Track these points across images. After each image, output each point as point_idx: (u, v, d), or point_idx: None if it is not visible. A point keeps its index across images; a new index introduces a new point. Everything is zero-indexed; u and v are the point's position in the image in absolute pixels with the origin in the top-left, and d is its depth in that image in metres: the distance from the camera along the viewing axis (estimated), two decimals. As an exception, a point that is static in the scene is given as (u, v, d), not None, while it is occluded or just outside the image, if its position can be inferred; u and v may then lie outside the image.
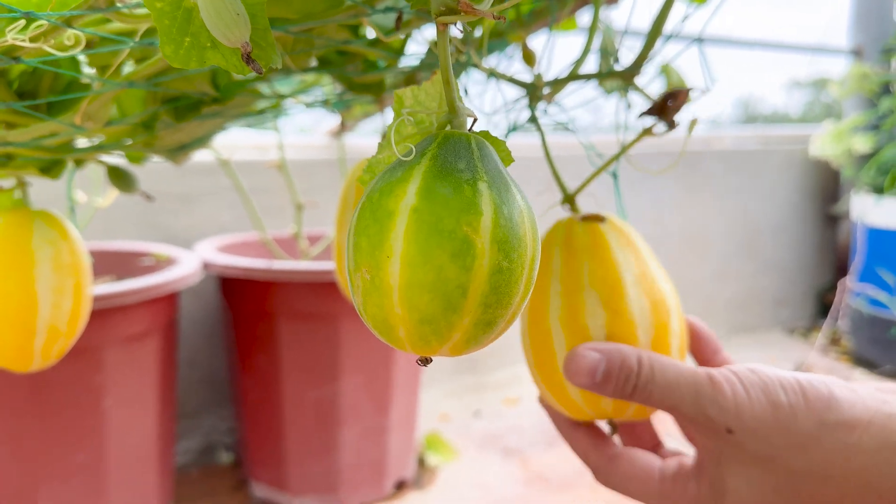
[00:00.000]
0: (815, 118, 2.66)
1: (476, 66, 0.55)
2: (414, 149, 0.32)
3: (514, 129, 0.60)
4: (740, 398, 0.37)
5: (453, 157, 0.33)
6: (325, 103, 0.68)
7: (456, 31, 0.36)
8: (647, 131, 0.48)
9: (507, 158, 0.38)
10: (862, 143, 1.73)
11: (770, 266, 2.10)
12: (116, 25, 0.44)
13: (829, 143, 1.78)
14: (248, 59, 0.32)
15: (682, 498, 0.40)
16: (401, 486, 1.18)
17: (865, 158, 1.77)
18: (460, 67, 0.58)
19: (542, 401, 0.47)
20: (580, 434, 0.44)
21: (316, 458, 1.09)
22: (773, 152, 2.04)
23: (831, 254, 2.20)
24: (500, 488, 1.18)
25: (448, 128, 0.35)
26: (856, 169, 1.80)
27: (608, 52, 0.70)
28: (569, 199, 0.51)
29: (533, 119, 0.56)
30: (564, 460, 1.27)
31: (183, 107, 0.53)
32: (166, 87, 0.51)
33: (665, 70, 0.95)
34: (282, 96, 0.65)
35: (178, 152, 0.62)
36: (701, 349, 0.49)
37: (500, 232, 0.31)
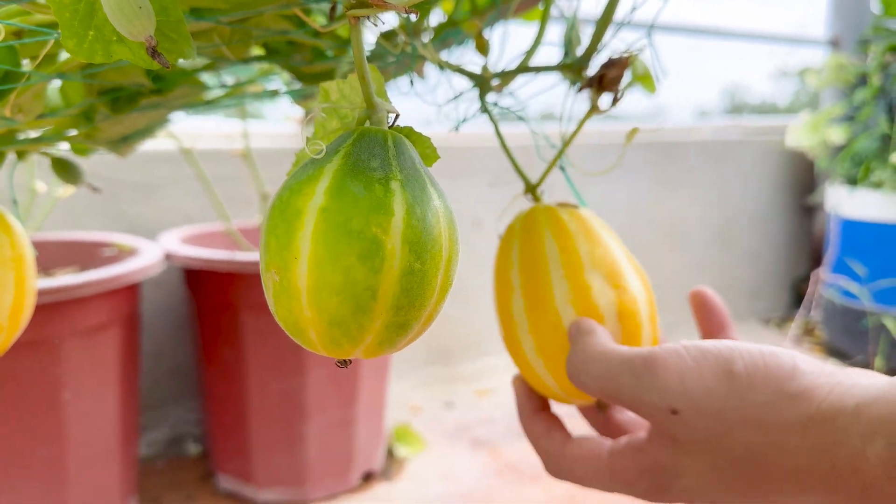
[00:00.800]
0: (801, 108, 2.67)
1: (424, 56, 0.54)
2: (325, 147, 0.31)
3: (464, 120, 0.59)
4: (688, 373, 0.33)
5: (367, 154, 0.32)
6: (274, 93, 0.67)
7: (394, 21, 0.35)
8: (594, 108, 0.47)
9: (432, 156, 0.37)
10: (837, 134, 1.73)
11: (746, 257, 2.10)
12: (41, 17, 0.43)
13: (804, 133, 1.78)
14: (154, 52, 0.31)
15: (633, 474, 0.36)
16: (368, 478, 1.18)
17: (840, 149, 1.77)
18: (407, 58, 0.57)
19: (517, 384, 0.45)
20: (537, 420, 0.43)
21: (282, 450, 1.08)
22: (751, 143, 2.04)
23: (807, 244, 2.20)
24: (469, 479, 1.18)
25: (368, 124, 0.35)
26: (831, 160, 1.80)
27: (572, 43, 0.69)
28: (531, 189, 0.50)
29: (485, 110, 0.55)
30: (533, 451, 1.27)
31: (119, 98, 0.52)
32: (101, 79, 0.50)
33: (644, 81, 0.95)
34: (232, 86, 0.63)
35: (121, 144, 0.61)
36: (707, 321, 0.47)
37: (412, 232, 0.30)
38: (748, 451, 0.32)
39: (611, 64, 0.46)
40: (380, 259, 0.29)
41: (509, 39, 0.58)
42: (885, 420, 0.28)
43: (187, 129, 1.21)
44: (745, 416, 0.32)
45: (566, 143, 0.50)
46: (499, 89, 0.59)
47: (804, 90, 2.65)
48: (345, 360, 0.33)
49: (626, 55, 0.46)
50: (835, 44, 1.94)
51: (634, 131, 0.47)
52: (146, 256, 1.01)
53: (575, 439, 0.40)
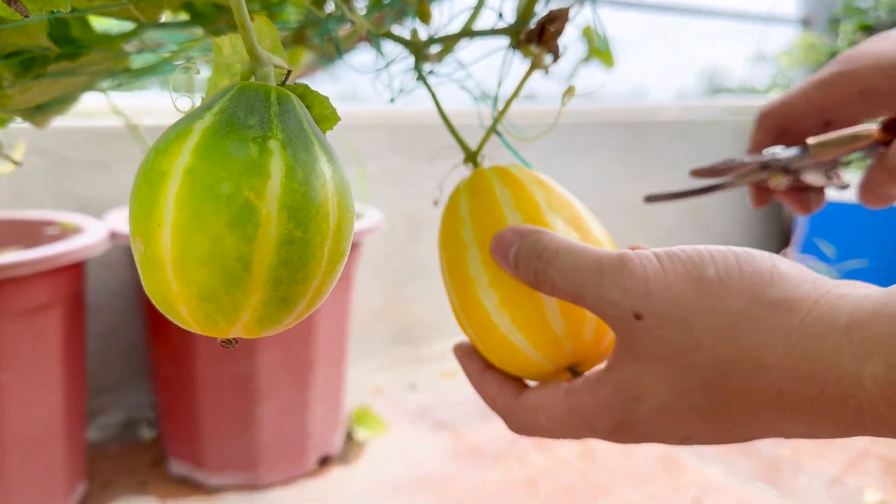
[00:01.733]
0: (779, 89, 2.65)
1: (350, 20, 0.51)
2: (194, 102, 0.29)
3: (401, 91, 0.56)
4: (654, 276, 0.30)
5: (244, 111, 0.29)
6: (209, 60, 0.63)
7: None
8: (536, 64, 0.45)
9: (331, 118, 0.34)
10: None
11: (717, 237, 2.09)
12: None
13: (775, 113, 1.77)
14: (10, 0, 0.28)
15: (593, 409, 0.33)
16: (325, 462, 1.15)
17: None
18: (335, 21, 0.54)
19: (458, 350, 0.41)
20: (486, 380, 0.39)
21: (233, 434, 1.06)
22: (722, 122, 2.02)
23: (778, 224, 2.20)
24: (428, 462, 1.16)
25: (253, 79, 0.32)
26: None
27: (527, 8, 0.66)
28: (471, 157, 0.47)
29: (420, 78, 0.52)
30: (497, 433, 1.25)
31: (21, 63, 0.48)
32: (2, 41, 0.46)
33: (586, 33, 0.92)
34: (156, 51, 0.60)
35: (36, 114, 0.58)
36: None
37: (292, 197, 0.27)
38: (718, 367, 0.28)
39: (551, 17, 0.44)
40: (253, 226, 0.26)
41: (456, 8, 0.55)
42: (883, 339, 0.25)
43: (137, 104, 1.17)
44: (714, 324, 0.28)
45: (506, 104, 0.47)
46: (437, 59, 0.56)
47: (781, 73, 2.64)
48: (228, 341, 0.30)
49: (565, 7, 0.44)
50: (806, 23, 1.92)
51: (571, 90, 0.44)
52: (90, 235, 0.98)
53: (530, 389, 0.37)
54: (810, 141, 0.45)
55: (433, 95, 0.52)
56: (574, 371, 0.38)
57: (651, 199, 0.51)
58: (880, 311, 0.25)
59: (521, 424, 0.37)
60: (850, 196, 1.61)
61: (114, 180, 1.23)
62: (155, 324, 1.08)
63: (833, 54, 1.76)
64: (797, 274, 0.29)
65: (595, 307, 0.32)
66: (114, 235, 1.02)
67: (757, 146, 0.50)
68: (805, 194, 0.52)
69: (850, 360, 0.25)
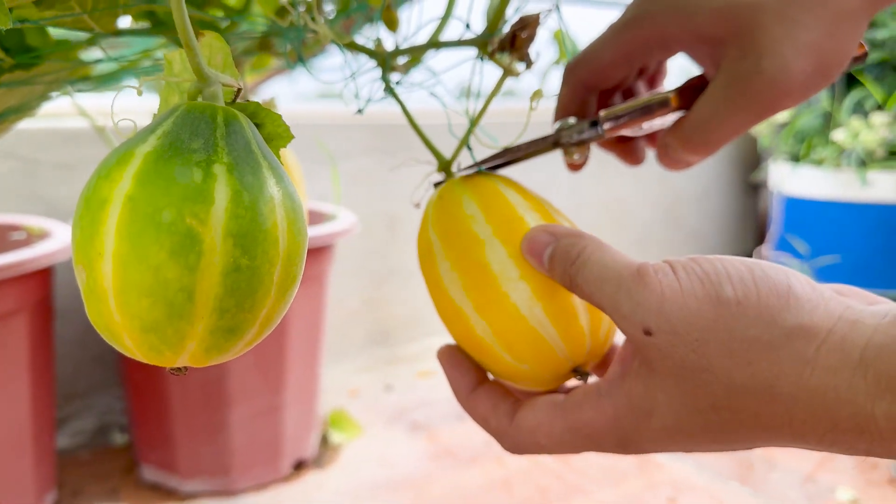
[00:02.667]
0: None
1: (314, 30, 0.50)
2: (137, 125, 0.28)
3: (369, 101, 0.55)
4: (669, 291, 0.29)
5: (188, 133, 0.28)
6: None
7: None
8: (508, 72, 0.44)
9: (284, 135, 0.33)
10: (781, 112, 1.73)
11: (692, 234, 2.10)
12: None
13: (749, 110, 1.78)
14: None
15: (597, 423, 0.32)
16: (300, 466, 1.14)
17: (784, 127, 1.77)
18: (298, 32, 0.53)
19: (444, 358, 0.39)
20: (477, 399, 0.37)
21: (205, 439, 1.05)
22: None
23: (753, 221, 2.21)
24: (405, 464, 1.16)
25: (200, 99, 0.31)
26: (774, 137, 1.80)
27: (495, 19, 0.65)
28: (445, 166, 0.46)
29: (388, 89, 0.52)
30: (474, 434, 1.25)
31: (-25, 72, 0.47)
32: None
33: (557, 37, 0.92)
34: (115, 59, 0.59)
35: (-9, 121, 0.56)
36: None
37: (238, 224, 0.27)
38: (732, 390, 0.28)
39: (522, 24, 0.43)
40: (195, 255, 0.26)
41: (424, 15, 0.54)
42: (894, 376, 0.25)
43: (104, 106, 1.15)
44: (731, 349, 0.28)
45: (480, 112, 0.47)
46: (403, 70, 0.56)
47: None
48: (178, 369, 0.29)
49: (536, 14, 0.43)
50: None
51: (538, 93, 0.43)
52: (57, 240, 0.96)
53: (525, 407, 0.35)
54: (602, 113, 0.42)
55: (402, 107, 0.51)
56: (579, 371, 0.38)
57: (438, 186, 0.48)
58: (891, 346, 0.26)
59: (518, 445, 0.36)
60: (822, 194, 1.63)
61: (81, 183, 1.21)
62: (125, 329, 1.06)
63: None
64: (811, 297, 0.28)
65: (611, 318, 0.32)
66: (81, 240, 1.00)
67: (564, 106, 0.45)
68: (628, 146, 0.49)
69: (864, 396, 0.26)
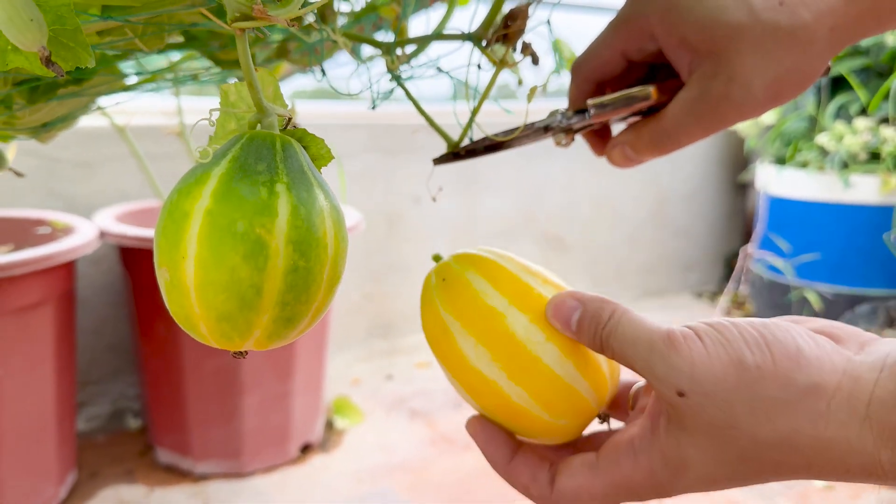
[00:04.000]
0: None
1: (330, 38, 0.55)
2: (211, 151, 0.34)
3: (380, 96, 0.60)
4: (698, 357, 0.33)
5: (254, 158, 0.34)
6: (194, 78, 0.68)
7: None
8: (503, 63, 0.48)
9: (326, 156, 0.39)
10: (767, 115, 1.79)
11: (680, 233, 2.17)
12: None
13: (738, 113, 1.84)
14: (48, 62, 0.33)
15: (635, 478, 0.35)
16: (306, 450, 1.21)
17: (770, 129, 1.83)
18: (320, 41, 0.59)
19: (476, 432, 0.42)
20: (516, 470, 0.39)
21: (218, 424, 1.11)
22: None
23: (740, 221, 2.28)
24: (405, 449, 1.22)
25: (259, 127, 0.37)
26: (761, 139, 1.86)
27: (491, 15, 0.70)
28: (454, 147, 0.50)
29: (395, 79, 0.56)
30: (470, 422, 1.32)
31: (36, 89, 0.53)
32: (16, 72, 0.50)
33: (556, 45, 0.97)
34: (151, 72, 0.64)
35: (41, 131, 0.62)
36: None
37: (296, 233, 0.32)
38: (756, 444, 0.32)
39: (512, 16, 0.47)
40: (263, 258, 0.31)
41: (429, 24, 0.60)
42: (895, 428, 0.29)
43: (123, 106, 1.21)
44: (754, 408, 0.32)
45: (480, 100, 0.51)
46: (406, 60, 0.61)
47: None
48: (239, 353, 0.35)
49: (525, 5, 0.48)
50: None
51: (534, 90, 0.48)
52: (81, 235, 1.02)
53: (563, 471, 0.38)
54: (589, 102, 0.46)
55: (407, 93, 0.56)
56: (603, 416, 0.41)
57: (438, 160, 0.52)
58: (890, 402, 0.30)
59: None
60: (805, 195, 1.69)
61: (99, 180, 1.27)
62: (142, 319, 1.12)
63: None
64: (818, 354, 0.32)
65: (644, 377, 0.35)
66: (103, 234, 1.06)
67: (574, 100, 0.49)
68: (602, 138, 0.53)
69: (872, 446, 0.30)
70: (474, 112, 0.52)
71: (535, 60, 0.48)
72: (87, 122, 1.25)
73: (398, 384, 1.49)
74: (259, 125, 0.36)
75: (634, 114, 0.47)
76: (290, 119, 0.38)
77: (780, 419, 0.31)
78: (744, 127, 1.85)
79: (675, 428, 0.34)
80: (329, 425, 1.29)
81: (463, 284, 0.42)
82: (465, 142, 0.53)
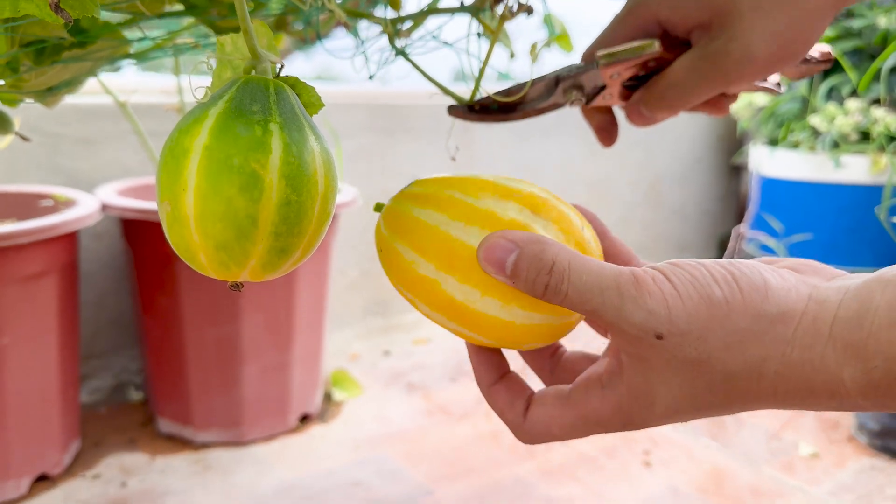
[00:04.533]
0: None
1: (330, 10, 0.58)
2: (209, 93, 0.36)
3: (381, 66, 0.62)
4: (672, 299, 0.32)
5: (249, 99, 0.36)
6: (195, 46, 0.70)
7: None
8: (504, 16, 0.50)
9: (317, 104, 0.41)
10: (760, 96, 1.81)
11: (674, 213, 2.19)
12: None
13: (732, 95, 1.86)
14: (57, 8, 0.35)
15: (607, 413, 0.36)
16: (305, 420, 1.23)
17: (763, 111, 1.85)
18: (315, 10, 0.61)
19: (473, 352, 0.42)
20: (496, 394, 0.40)
21: (219, 394, 1.13)
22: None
23: (734, 202, 2.30)
24: (401, 420, 1.25)
25: (253, 73, 0.39)
26: (755, 120, 1.88)
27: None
28: (463, 103, 0.52)
29: (398, 52, 0.59)
30: (466, 393, 1.34)
31: (43, 51, 0.55)
32: (23, 32, 0.53)
33: (547, 20, 1.00)
34: (152, 39, 0.66)
35: (47, 95, 0.64)
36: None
37: (288, 168, 0.35)
38: (727, 375, 0.32)
39: None
40: (258, 191, 0.34)
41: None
42: (859, 347, 0.30)
43: (124, 83, 1.23)
44: (726, 342, 0.32)
45: (483, 63, 0.53)
46: (407, 34, 0.63)
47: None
48: (236, 284, 0.37)
49: None
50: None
51: (534, 47, 0.51)
52: (83, 207, 1.04)
53: (536, 401, 0.39)
54: (599, 52, 0.48)
55: (413, 64, 0.58)
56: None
57: (452, 109, 0.53)
58: (857, 318, 0.30)
59: (532, 437, 0.39)
60: (797, 175, 1.71)
61: (100, 156, 1.29)
62: (144, 292, 1.14)
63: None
64: (783, 285, 0.33)
65: (614, 325, 0.33)
66: (105, 208, 1.08)
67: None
68: (607, 128, 0.55)
69: (834, 365, 0.30)
70: (480, 73, 0.54)
71: (530, 11, 0.50)
72: (88, 99, 1.28)
73: (396, 359, 1.52)
74: (254, 71, 0.39)
75: (642, 75, 0.49)
76: (281, 66, 0.40)
77: (750, 349, 0.32)
78: (737, 108, 1.87)
79: (641, 365, 0.34)
80: (328, 397, 1.31)
81: (396, 256, 0.40)
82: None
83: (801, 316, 0.32)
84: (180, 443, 1.16)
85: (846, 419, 1.29)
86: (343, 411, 1.28)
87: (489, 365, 0.41)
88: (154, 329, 1.15)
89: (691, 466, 1.12)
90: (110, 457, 1.12)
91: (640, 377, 0.34)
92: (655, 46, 0.47)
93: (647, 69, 0.49)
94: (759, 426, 1.26)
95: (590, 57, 0.51)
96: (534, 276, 0.35)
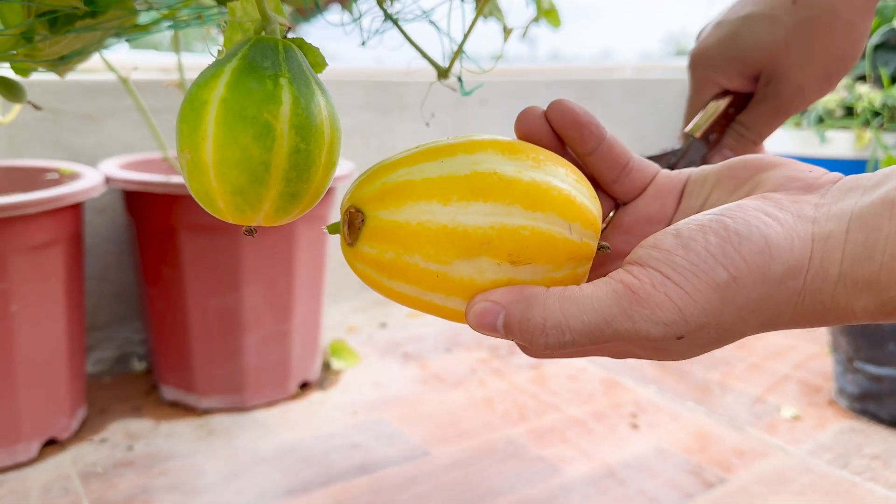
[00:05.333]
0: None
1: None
2: (225, 51, 0.39)
3: (372, 34, 0.65)
4: (682, 301, 0.30)
5: (260, 56, 0.39)
6: (199, 18, 0.73)
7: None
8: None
9: (321, 64, 0.45)
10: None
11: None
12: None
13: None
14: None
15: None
16: (305, 387, 1.27)
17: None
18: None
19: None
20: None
21: (221, 361, 1.17)
22: (669, 82, 2.15)
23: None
24: (397, 387, 1.29)
25: (263, 33, 0.42)
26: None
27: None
28: (443, 74, 0.56)
29: (388, 17, 0.62)
30: (459, 362, 1.38)
31: (56, 20, 0.58)
32: (39, 2, 0.56)
33: (536, -2, 1.03)
34: (159, 10, 0.69)
35: (59, 64, 0.67)
36: (583, 141, 0.39)
37: (298, 119, 0.38)
38: (743, 335, 0.33)
39: None
40: (271, 139, 0.37)
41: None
42: (871, 281, 0.30)
43: (126, 61, 1.26)
44: (741, 315, 0.31)
45: (466, 33, 0.57)
46: None
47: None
48: (250, 229, 0.41)
49: None
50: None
51: (509, 31, 0.55)
52: (88, 179, 1.07)
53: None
54: (686, 130, 0.58)
55: (400, 29, 0.61)
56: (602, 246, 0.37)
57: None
58: (862, 254, 0.30)
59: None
60: (783, 150, 1.75)
61: (102, 132, 1.32)
62: (147, 263, 1.18)
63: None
64: (783, 234, 0.31)
65: (633, 343, 0.32)
66: (108, 180, 1.11)
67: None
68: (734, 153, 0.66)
69: (845, 300, 0.30)
70: (463, 39, 0.57)
71: None
72: (90, 76, 1.30)
73: (392, 331, 1.56)
74: (264, 31, 0.42)
75: (726, 121, 0.58)
76: (289, 28, 0.43)
77: (763, 313, 0.31)
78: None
79: (662, 354, 0.34)
80: (326, 366, 1.35)
81: (372, 281, 0.37)
82: (455, 69, 0.59)
83: (809, 263, 0.31)
84: (184, 409, 1.20)
85: (828, 384, 1.33)
86: (341, 379, 1.32)
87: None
88: (157, 299, 1.18)
89: (677, 429, 1.17)
90: (116, 423, 1.16)
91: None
92: (721, 106, 0.56)
93: (729, 117, 0.57)
94: (743, 392, 1.31)
95: (684, 137, 0.59)
96: (529, 338, 0.32)
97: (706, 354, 0.38)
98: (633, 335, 0.31)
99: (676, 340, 0.31)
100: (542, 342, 0.32)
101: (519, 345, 0.36)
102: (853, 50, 0.53)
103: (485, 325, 0.33)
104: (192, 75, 1.28)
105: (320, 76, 0.42)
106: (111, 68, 1.08)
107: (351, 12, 0.66)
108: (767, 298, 0.31)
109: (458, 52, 0.57)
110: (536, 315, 0.32)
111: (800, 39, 0.52)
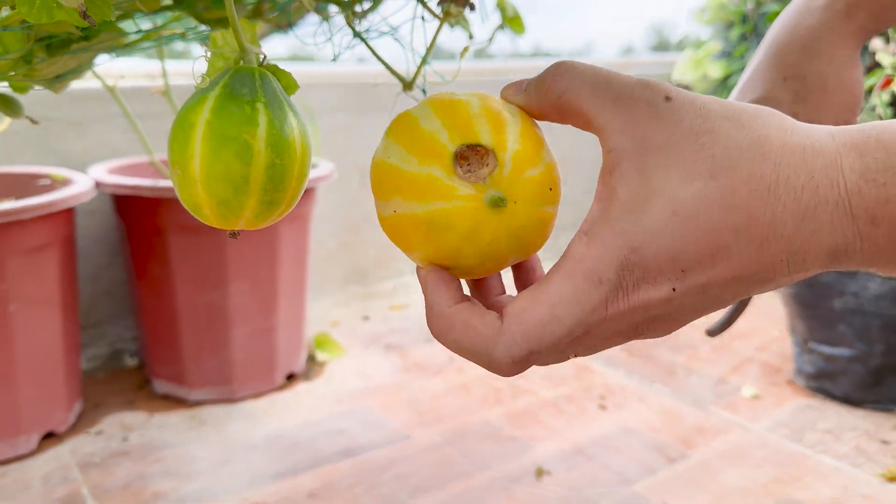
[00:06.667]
0: (692, 48, 2.83)
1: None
2: (207, 79, 0.45)
3: (345, 48, 0.71)
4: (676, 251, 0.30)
5: (239, 85, 0.46)
6: (182, 35, 0.79)
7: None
8: (447, 14, 0.58)
9: (293, 86, 0.51)
10: (716, 70, 1.91)
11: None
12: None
13: (688, 68, 1.96)
14: (85, 15, 0.44)
15: (592, 257, 0.31)
16: (291, 378, 1.34)
17: (719, 84, 1.96)
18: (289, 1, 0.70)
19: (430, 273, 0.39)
20: (461, 309, 0.36)
21: (209, 355, 1.23)
22: (653, 76, 2.21)
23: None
24: (380, 376, 1.35)
25: (242, 63, 0.48)
26: (711, 93, 1.99)
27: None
28: (408, 86, 0.62)
29: (355, 34, 0.68)
30: (439, 352, 1.45)
31: (54, 44, 0.64)
32: (37, 30, 0.62)
33: (500, 3, 1.09)
34: (146, 31, 0.75)
35: (55, 82, 0.73)
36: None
37: (272, 138, 0.44)
38: (729, 151, 0.31)
39: None
40: (249, 156, 0.43)
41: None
42: (859, 144, 0.30)
43: (113, 68, 1.31)
44: (726, 114, 0.32)
45: (429, 47, 0.63)
46: (362, 15, 0.72)
47: (694, 31, 2.81)
48: (234, 232, 0.47)
49: None
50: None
51: (465, 49, 0.60)
52: (79, 185, 1.13)
53: (510, 303, 0.33)
54: None
55: (365, 42, 0.67)
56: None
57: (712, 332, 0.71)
58: (856, 133, 0.31)
59: (517, 346, 0.32)
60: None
61: (90, 138, 1.37)
62: (137, 262, 1.23)
63: (743, 14, 1.96)
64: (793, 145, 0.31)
65: (623, 95, 0.34)
66: (98, 185, 1.17)
67: None
68: None
69: (833, 150, 0.30)
70: (426, 53, 0.63)
71: (472, 8, 0.58)
72: (78, 84, 1.35)
73: (375, 324, 1.62)
74: (242, 61, 0.48)
75: None
76: (264, 57, 0.49)
77: (750, 125, 0.31)
78: (692, 80, 1.98)
79: (638, 149, 0.31)
80: (311, 358, 1.41)
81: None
82: (419, 82, 0.65)
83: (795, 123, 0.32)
84: (175, 401, 1.26)
85: (787, 365, 1.41)
86: (326, 370, 1.38)
87: (449, 283, 0.37)
88: (148, 297, 1.24)
89: (643, 409, 1.24)
90: (111, 416, 1.22)
91: (635, 172, 0.31)
92: None
93: None
94: (707, 373, 1.38)
95: None
96: (543, 89, 0.39)
97: (672, 337, 0.42)
98: (627, 94, 0.34)
99: (664, 102, 0.32)
100: (543, 91, 0.40)
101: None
102: (853, 98, 0.56)
103: (514, 90, 0.41)
104: (176, 81, 1.33)
105: (303, 80, 0.48)
106: (98, 78, 1.13)
107: (327, 20, 0.72)
108: (754, 116, 0.31)
109: (421, 67, 0.63)
110: (547, 72, 0.39)
111: (802, 109, 0.54)
